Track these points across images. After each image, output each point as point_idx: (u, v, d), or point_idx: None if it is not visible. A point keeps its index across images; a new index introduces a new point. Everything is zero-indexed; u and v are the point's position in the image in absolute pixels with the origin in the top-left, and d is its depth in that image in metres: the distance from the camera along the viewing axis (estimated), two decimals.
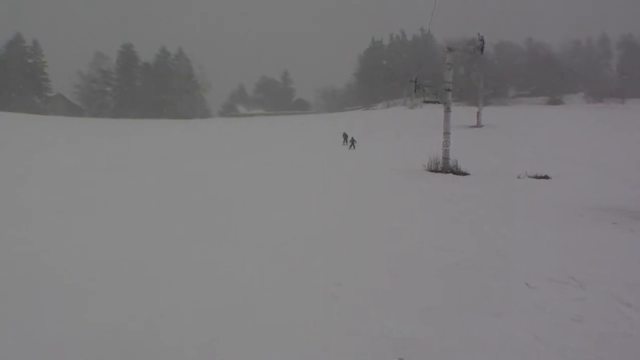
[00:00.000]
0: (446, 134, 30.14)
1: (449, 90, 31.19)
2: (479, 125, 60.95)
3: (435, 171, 28.63)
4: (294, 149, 43.12)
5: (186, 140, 55.12)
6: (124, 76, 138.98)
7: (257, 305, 7.78)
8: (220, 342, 6.52)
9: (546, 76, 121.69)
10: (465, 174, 27.83)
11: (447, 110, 30.80)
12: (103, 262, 9.89)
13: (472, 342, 6.53)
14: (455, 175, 27.32)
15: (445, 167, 28.83)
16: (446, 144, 29.83)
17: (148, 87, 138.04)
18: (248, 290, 8.42)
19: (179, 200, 18.27)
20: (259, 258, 10.41)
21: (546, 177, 26.24)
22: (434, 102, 33.98)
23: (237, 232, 12.97)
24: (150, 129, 70.09)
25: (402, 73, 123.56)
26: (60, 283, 8.58)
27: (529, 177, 26.29)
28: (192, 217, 15.05)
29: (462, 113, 62.64)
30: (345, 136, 49.50)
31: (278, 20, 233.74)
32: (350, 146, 45.82)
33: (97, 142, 48.60)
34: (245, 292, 8.35)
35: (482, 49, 32.16)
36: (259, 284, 8.77)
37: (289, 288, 8.58)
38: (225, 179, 24.97)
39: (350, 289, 8.48)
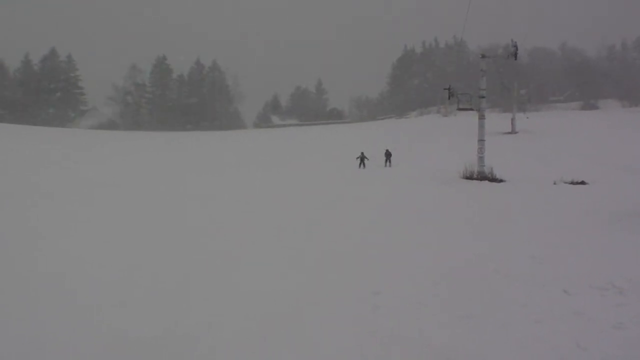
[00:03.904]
0: (481, 141, 29.95)
1: (483, 97, 31.01)
2: (513, 131, 60.41)
3: (471, 178, 28.42)
4: (329, 164, 42.77)
5: (219, 152, 55.51)
6: (158, 89, 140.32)
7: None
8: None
9: (581, 81, 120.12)
10: (500, 180, 27.59)
11: (482, 117, 30.61)
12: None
13: (513, 350, 6.52)
14: (490, 183, 27.08)
15: (481, 175, 28.61)
16: (481, 151, 29.65)
17: (182, 100, 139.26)
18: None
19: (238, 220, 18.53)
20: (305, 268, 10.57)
21: (583, 183, 25.88)
22: (468, 110, 33.72)
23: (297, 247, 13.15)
24: (183, 141, 70.80)
25: (435, 80, 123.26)
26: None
27: (565, 183, 25.96)
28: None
29: (497, 120, 62.25)
30: (386, 155, 40.67)
31: (311, 31, 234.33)
32: (386, 162, 40.14)
33: (128, 156, 49.32)
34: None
35: (515, 55, 31.91)
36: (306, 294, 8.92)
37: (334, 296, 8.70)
38: (273, 194, 25.20)
39: (389, 297, 8.53)
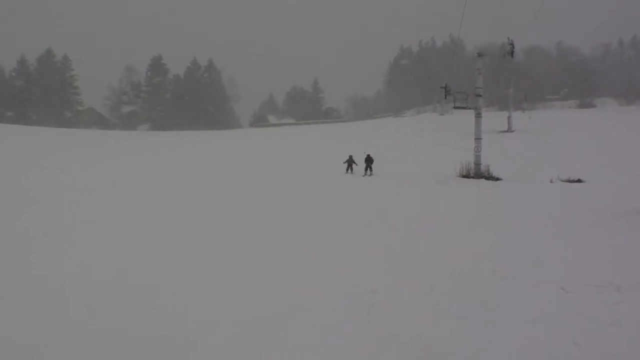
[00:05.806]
0: (477, 139, 29.93)
1: (479, 95, 31.00)
2: (510, 130, 60.37)
3: (467, 177, 28.43)
4: (321, 164, 42.39)
5: (212, 152, 55.35)
6: (154, 89, 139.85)
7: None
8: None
9: (577, 79, 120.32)
10: (497, 179, 27.59)
11: (478, 116, 30.60)
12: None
13: (510, 350, 6.46)
14: (487, 181, 27.07)
15: (477, 173, 28.61)
16: (477, 149, 29.63)
17: (177, 99, 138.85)
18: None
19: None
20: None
21: (579, 181, 25.88)
22: (465, 108, 33.69)
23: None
24: (177, 141, 70.65)
25: (432, 79, 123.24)
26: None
27: (562, 181, 25.95)
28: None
29: (493, 118, 62.24)
30: (367, 160, 32.99)
31: (308, 31, 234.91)
32: (366, 170, 32.69)
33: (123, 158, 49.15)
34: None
35: (512, 54, 32.01)
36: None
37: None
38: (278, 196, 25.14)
39: (385, 297, 8.48)
